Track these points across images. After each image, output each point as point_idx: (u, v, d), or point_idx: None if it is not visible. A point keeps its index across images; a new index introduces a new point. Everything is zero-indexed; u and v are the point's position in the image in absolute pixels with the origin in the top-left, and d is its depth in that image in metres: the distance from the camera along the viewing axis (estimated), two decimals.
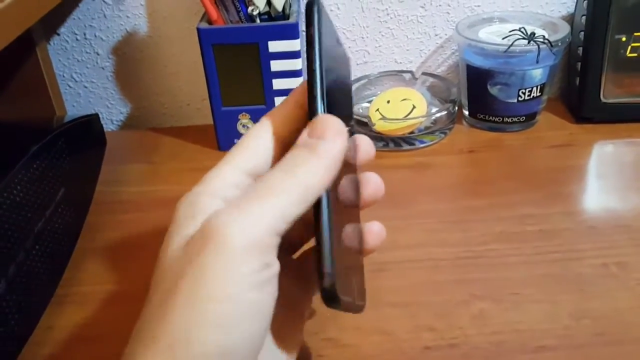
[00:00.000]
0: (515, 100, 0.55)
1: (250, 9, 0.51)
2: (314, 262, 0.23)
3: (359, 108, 0.60)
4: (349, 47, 0.63)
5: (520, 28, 0.56)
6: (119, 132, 0.67)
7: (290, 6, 0.52)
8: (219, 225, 0.22)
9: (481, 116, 0.58)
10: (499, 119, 0.57)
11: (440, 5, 0.61)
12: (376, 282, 0.36)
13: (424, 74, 0.62)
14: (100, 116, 0.56)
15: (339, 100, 0.28)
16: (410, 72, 0.62)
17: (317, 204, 0.23)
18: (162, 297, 0.22)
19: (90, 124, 0.51)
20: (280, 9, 0.51)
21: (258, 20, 0.52)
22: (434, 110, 0.57)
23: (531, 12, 0.60)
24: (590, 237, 0.43)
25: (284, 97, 0.27)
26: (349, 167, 0.27)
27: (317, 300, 0.27)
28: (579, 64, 0.57)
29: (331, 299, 0.23)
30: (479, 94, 0.57)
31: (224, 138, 0.56)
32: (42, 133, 0.42)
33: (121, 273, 0.43)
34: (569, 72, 0.61)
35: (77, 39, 0.62)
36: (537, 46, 0.52)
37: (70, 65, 0.64)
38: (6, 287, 0.34)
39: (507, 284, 0.39)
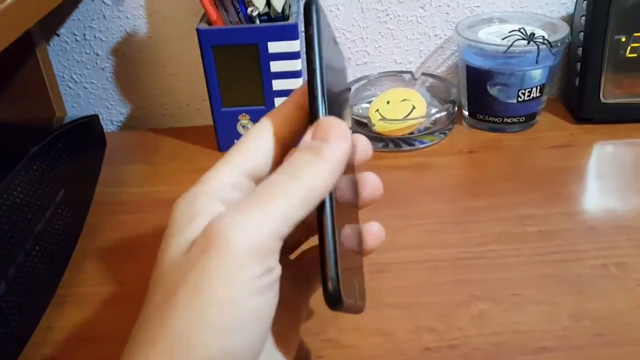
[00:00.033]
0: (515, 101, 0.55)
1: (249, 9, 0.51)
2: (319, 264, 0.23)
3: (359, 108, 0.60)
4: (349, 47, 0.63)
5: (519, 28, 0.56)
6: (119, 132, 0.67)
7: (289, 7, 0.52)
8: (222, 229, 0.21)
9: (481, 117, 0.58)
10: (499, 120, 0.57)
11: (439, 6, 0.61)
12: (376, 282, 0.36)
13: (423, 74, 0.62)
14: (100, 117, 0.56)
15: (339, 99, 0.28)
16: (410, 72, 0.62)
17: (320, 207, 0.23)
18: (162, 299, 0.22)
19: (90, 125, 0.51)
20: (279, 9, 0.51)
21: (257, 21, 0.52)
22: (433, 110, 0.57)
23: (531, 13, 0.60)
24: (590, 237, 0.43)
25: (284, 98, 0.27)
26: (347, 167, 0.27)
27: (316, 300, 0.27)
28: (579, 64, 0.57)
29: (335, 302, 0.22)
30: (478, 95, 0.57)
31: (223, 139, 0.56)
32: (42, 134, 0.42)
33: (121, 274, 0.43)
34: (569, 72, 0.61)
35: (76, 40, 0.62)
36: (536, 47, 0.52)
37: (70, 66, 0.64)
38: (6, 288, 0.34)
39: (507, 285, 0.39)
